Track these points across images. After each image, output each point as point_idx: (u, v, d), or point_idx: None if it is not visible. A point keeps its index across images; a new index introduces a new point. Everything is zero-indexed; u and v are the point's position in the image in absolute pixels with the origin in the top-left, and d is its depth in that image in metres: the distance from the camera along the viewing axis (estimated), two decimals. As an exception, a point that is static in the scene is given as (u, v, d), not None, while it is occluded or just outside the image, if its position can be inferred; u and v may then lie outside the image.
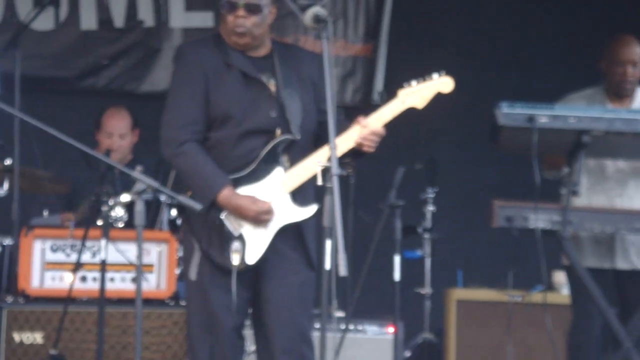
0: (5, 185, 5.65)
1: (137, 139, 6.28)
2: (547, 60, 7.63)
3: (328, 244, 3.94)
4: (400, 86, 4.44)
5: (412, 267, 6.43)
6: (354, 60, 7.62)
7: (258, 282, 4.38)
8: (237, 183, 4.34)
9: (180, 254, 5.65)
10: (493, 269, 6.55)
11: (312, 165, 4.26)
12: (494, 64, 7.35)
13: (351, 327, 6.07)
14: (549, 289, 6.44)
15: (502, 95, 5.33)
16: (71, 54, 7.27)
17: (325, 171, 4.04)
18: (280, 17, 5.25)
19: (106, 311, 5.08)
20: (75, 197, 5.92)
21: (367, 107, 6.21)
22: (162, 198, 5.71)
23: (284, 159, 4.37)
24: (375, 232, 5.93)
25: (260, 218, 4.31)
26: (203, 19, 7.39)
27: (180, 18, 7.38)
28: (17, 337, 5.32)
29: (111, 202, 5.29)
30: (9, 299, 5.39)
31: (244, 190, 4.34)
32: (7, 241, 5.71)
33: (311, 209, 4.35)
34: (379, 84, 7.41)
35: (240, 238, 4.32)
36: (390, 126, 4.41)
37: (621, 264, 5.55)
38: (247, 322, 4.49)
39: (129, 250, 5.17)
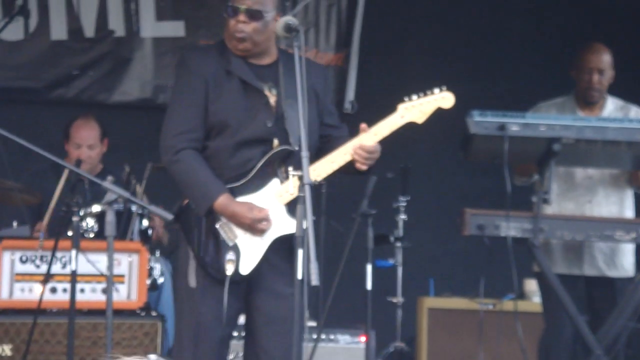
0: (-25, 196, 5.62)
1: (106, 149, 6.25)
2: (520, 69, 7.64)
3: (300, 253, 3.94)
4: (401, 100, 4.40)
5: (384, 276, 6.42)
6: (325, 69, 7.62)
7: (249, 293, 4.36)
8: (233, 193, 4.30)
9: (152, 264, 5.65)
10: (464, 277, 6.57)
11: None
12: (465, 73, 7.36)
13: (323, 336, 6.07)
14: (520, 297, 6.46)
15: (474, 104, 5.34)
16: (41, 64, 7.23)
17: (298, 180, 4.02)
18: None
19: (76, 322, 5.03)
20: (45, 208, 5.88)
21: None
22: (133, 208, 5.69)
23: (281, 170, 4.33)
24: (347, 240, 5.92)
25: (256, 226, 4.27)
26: (174, 29, 7.37)
27: (151, 28, 7.35)
28: (-14, 349, 5.29)
29: (82, 213, 5.28)
30: (-22, 310, 5.35)
31: (240, 200, 4.31)
32: (-23, 252, 5.66)
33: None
34: (350, 93, 7.40)
35: (235, 248, 4.29)
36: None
37: (589, 271, 5.57)
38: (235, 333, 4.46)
39: (100, 261, 5.13)
